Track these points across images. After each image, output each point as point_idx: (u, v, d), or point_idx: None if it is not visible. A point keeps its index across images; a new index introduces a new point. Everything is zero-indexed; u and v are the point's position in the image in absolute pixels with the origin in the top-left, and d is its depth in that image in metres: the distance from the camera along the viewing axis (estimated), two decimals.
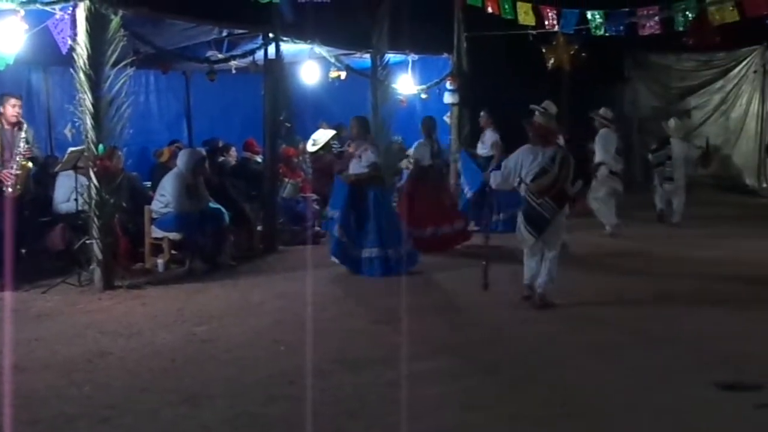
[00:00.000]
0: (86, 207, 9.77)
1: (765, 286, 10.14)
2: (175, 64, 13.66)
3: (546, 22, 16.72)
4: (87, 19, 9.30)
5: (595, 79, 20.33)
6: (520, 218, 9.11)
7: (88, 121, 9.51)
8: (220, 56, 12.55)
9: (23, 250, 10.16)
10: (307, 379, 6.43)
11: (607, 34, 16.98)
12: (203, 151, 12.66)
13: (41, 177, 11.47)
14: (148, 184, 12.46)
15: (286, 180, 13.19)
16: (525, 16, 16.31)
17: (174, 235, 10.73)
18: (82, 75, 9.44)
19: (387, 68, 15.48)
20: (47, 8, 9.19)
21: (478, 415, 5.84)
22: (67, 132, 12.17)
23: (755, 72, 21.28)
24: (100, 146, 9.51)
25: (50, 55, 10.24)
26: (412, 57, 16.57)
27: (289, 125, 13.00)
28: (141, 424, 5.65)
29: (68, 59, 9.53)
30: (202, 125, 16.18)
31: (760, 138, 21.37)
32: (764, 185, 21.26)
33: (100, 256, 9.61)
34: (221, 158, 13.65)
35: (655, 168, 15.87)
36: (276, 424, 5.66)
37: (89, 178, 9.62)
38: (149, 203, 11.03)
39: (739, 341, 7.65)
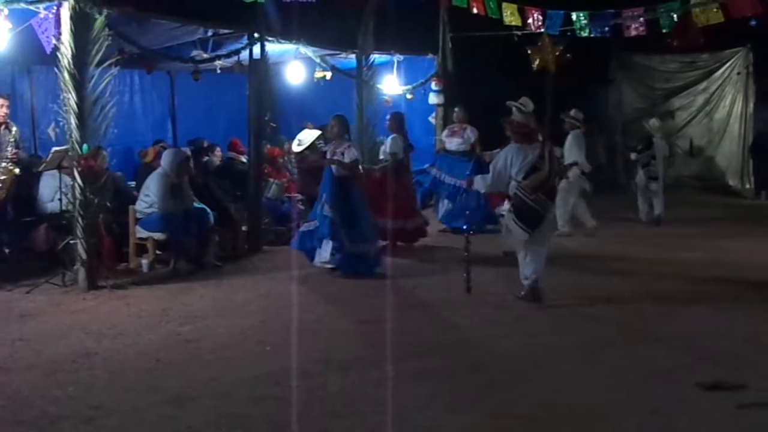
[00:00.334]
0: (70, 207, 9.72)
1: (747, 286, 10.18)
2: (159, 64, 13.60)
3: (531, 23, 16.75)
4: (71, 18, 9.27)
5: (579, 80, 20.38)
6: (509, 216, 9.15)
7: (73, 120, 9.49)
8: (205, 56, 12.52)
9: (7, 250, 10.13)
10: (292, 380, 6.44)
11: (592, 35, 17.03)
12: (188, 151, 12.64)
13: (25, 176, 11.43)
14: (133, 184, 12.41)
15: (271, 180, 13.18)
16: (511, 16, 16.35)
17: (158, 235, 10.70)
18: (66, 74, 9.42)
19: (372, 69, 15.53)
20: (31, 7, 9.17)
21: (462, 415, 5.85)
22: (51, 131, 12.05)
23: (739, 73, 21.40)
24: (85, 146, 9.49)
25: (34, 54, 10.19)
26: (397, 57, 16.58)
27: (274, 125, 13.02)
28: (125, 424, 5.63)
29: (52, 58, 9.51)
30: (186, 125, 16.11)
31: (743, 139, 21.49)
32: (747, 186, 21.37)
33: (84, 256, 9.58)
34: (206, 158, 13.61)
35: (643, 168, 15.91)
36: (261, 425, 5.65)
37: (73, 178, 9.59)
38: (134, 203, 10.98)
39: (722, 341, 7.69)
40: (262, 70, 12.39)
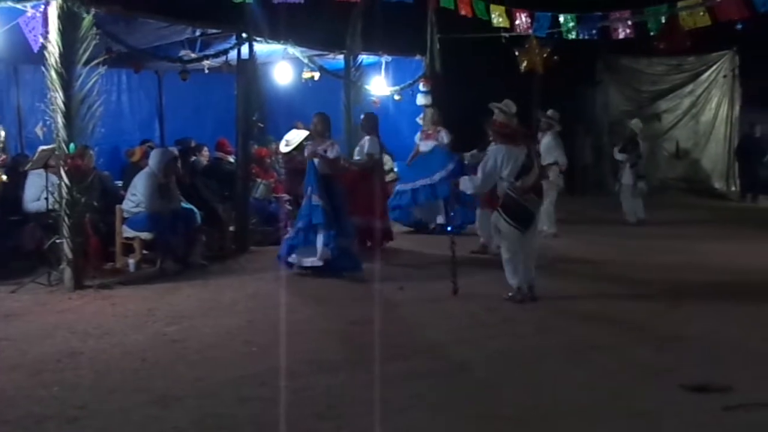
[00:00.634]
0: (57, 206, 9.69)
1: (733, 288, 10.22)
2: (147, 64, 13.61)
3: (518, 25, 16.78)
4: (59, 17, 9.26)
5: (566, 82, 20.47)
6: (498, 216, 9.17)
7: (60, 119, 9.47)
8: (193, 56, 12.51)
9: None
10: (279, 380, 6.43)
11: (579, 38, 17.09)
12: (175, 150, 12.62)
13: (12, 176, 11.41)
14: (120, 183, 12.40)
15: (259, 180, 13.17)
16: (499, 18, 16.37)
17: (145, 235, 10.69)
18: (53, 73, 9.40)
19: (360, 69, 15.55)
20: (18, 6, 9.16)
21: (448, 415, 5.86)
22: (38, 130, 12.10)
23: (725, 76, 21.54)
24: (72, 145, 9.47)
25: (21, 53, 10.19)
26: (385, 58, 16.60)
27: (261, 126, 12.99)
28: (110, 424, 5.62)
29: (40, 57, 9.49)
30: (174, 125, 16.12)
31: (729, 142, 21.64)
32: (733, 189, 21.50)
33: (70, 255, 9.56)
34: (193, 158, 13.60)
35: (631, 167, 15.98)
36: (247, 425, 5.65)
37: (60, 177, 9.58)
38: (120, 202, 10.97)
39: (708, 343, 7.72)
40: (250, 70, 12.39)
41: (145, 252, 10.90)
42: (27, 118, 13.01)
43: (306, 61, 14.29)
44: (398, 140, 15.15)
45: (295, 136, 12.46)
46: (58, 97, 9.43)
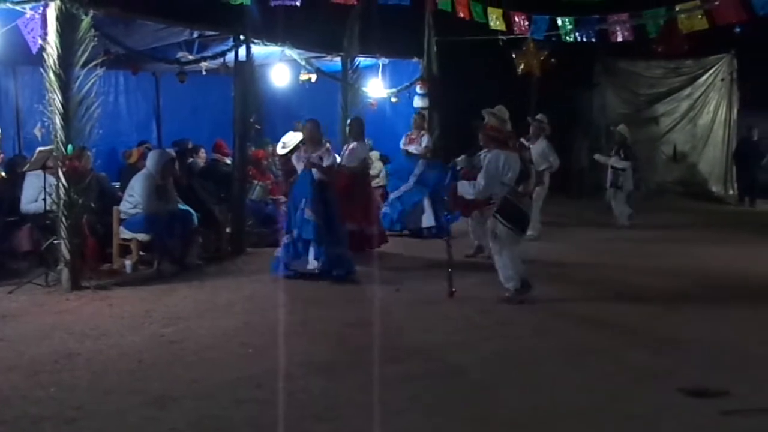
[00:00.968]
0: (54, 207, 9.69)
1: (730, 292, 10.24)
2: (145, 65, 13.63)
3: (516, 28, 16.80)
4: (57, 18, 9.27)
5: (564, 85, 20.48)
6: (496, 222, 9.18)
7: (58, 121, 9.48)
8: (191, 57, 12.52)
9: None
10: (275, 382, 6.45)
11: (577, 40, 17.09)
12: (172, 152, 12.63)
13: (9, 176, 11.42)
14: (117, 184, 12.41)
15: (256, 182, 13.18)
16: (496, 21, 16.38)
17: (142, 236, 10.69)
18: (51, 75, 9.41)
19: (357, 71, 15.56)
20: (17, 7, 9.16)
21: (444, 417, 5.87)
22: (36, 132, 12.10)
23: (723, 80, 21.57)
24: (69, 146, 9.47)
25: (20, 54, 10.18)
26: (382, 60, 16.62)
27: (258, 127, 13.00)
28: (107, 425, 5.63)
29: (38, 59, 9.50)
30: (171, 126, 16.12)
31: (727, 145, 21.66)
32: (730, 192, 21.52)
33: (67, 256, 9.57)
34: (190, 160, 13.61)
35: (634, 172, 16.03)
36: (243, 427, 5.66)
37: (58, 178, 9.58)
38: (118, 204, 10.98)
39: (705, 347, 7.74)
40: (247, 72, 12.38)
41: (142, 253, 10.90)
42: (25, 119, 13.01)
43: (303, 63, 14.30)
44: (394, 143, 15.13)
45: (292, 138, 12.45)
46: (57, 98, 9.44)
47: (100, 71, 9.76)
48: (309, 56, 14.56)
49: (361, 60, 15.73)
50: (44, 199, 9.98)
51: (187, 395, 6.20)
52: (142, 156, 12.20)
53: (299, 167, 10.69)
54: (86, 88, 9.61)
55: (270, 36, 13.10)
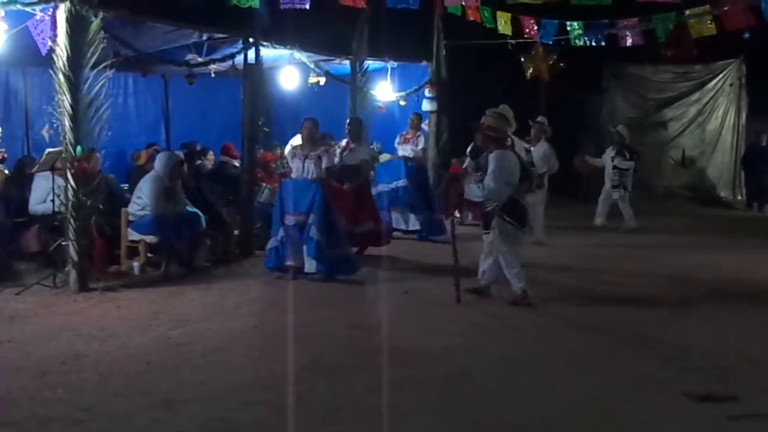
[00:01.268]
0: (63, 208, 9.71)
1: (737, 297, 10.22)
2: (154, 67, 13.63)
3: (526, 32, 16.79)
4: (67, 20, 9.29)
5: (572, 89, 20.47)
6: (503, 222, 9.19)
7: (67, 122, 9.50)
8: (200, 60, 12.52)
9: None
10: (283, 385, 6.45)
11: (586, 44, 17.08)
12: (181, 154, 12.65)
13: (18, 177, 11.44)
14: (126, 186, 12.43)
15: (264, 185, 13.18)
16: (504, 25, 16.37)
17: (150, 238, 10.70)
18: (61, 76, 9.43)
19: (366, 75, 15.58)
20: (28, 9, 9.18)
21: (452, 421, 5.87)
22: (45, 133, 12.11)
23: (731, 85, 21.51)
24: (78, 148, 9.49)
25: (29, 55, 10.20)
26: (391, 64, 16.61)
27: (267, 130, 13.00)
28: (114, 427, 5.64)
29: (47, 60, 9.52)
30: (180, 129, 16.15)
31: (735, 151, 21.59)
32: (739, 198, 21.45)
33: (75, 258, 9.58)
34: (198, 162, 13.62)
35: (634, 173, 16.01)
36: (250, 429, 5.67)
37: (66, 180, 9.59)
38: (126, 206, 11.00)
39: (712, 352, 7.72)
40: (256, 75, 12.39)
41: (149, 255, 10.92)
42: (34, 121, 13.03)
43: (312, 66, 14.31)
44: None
45: (299, 141, 12.48)
46: (66, 100, 9.45)
47: (109, 73, 9.78)
48: (318, 59, 14.57)
49: (370, 63, 15.75)
50: (53, 201, 10.00)
51: (195, 397, 6.20)
52: (150, 158, 12.22)
53: (295, 166, 10.71)
54: (95, 90, 9.62)
55: (279, 39, 13.10)
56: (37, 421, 5.67)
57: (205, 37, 12.27)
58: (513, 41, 17.16)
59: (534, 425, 5.85)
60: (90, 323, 8.29)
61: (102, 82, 9.66)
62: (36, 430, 5.54)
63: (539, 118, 14.06)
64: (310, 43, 14.02)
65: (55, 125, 9.76)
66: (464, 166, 10.11)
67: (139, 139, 14.90)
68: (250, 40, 12.17)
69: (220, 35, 12.35)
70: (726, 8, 14.64)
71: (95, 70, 9.58)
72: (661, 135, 22.34)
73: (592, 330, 8.53)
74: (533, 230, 13.18)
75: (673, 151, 22.33)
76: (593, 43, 17.10)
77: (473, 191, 9.39)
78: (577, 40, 16.93)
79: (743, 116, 21.55)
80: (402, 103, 16.70)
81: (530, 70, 18.33)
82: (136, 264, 10.72)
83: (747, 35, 15.64)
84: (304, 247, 10.49)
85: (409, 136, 14.58)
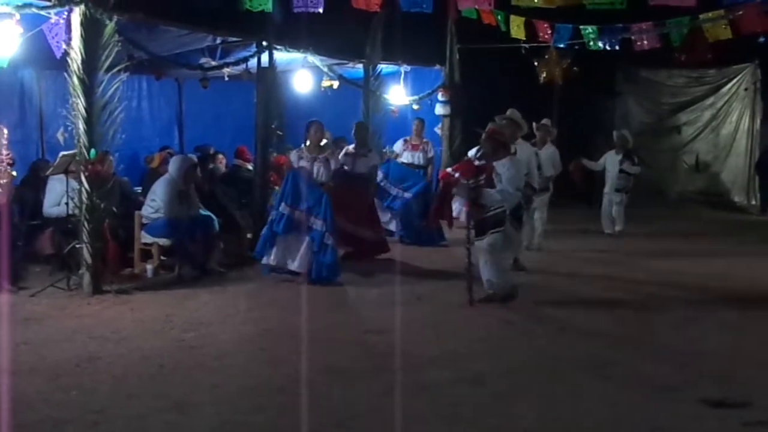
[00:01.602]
0: (76, 211, 9.74)
1: (752, 303, 10.16)
2: (168, 71, 13.68)
3: (540, 36, 16.78)
4: (82, 23, 9.32)
5: (586, 93, 20.43)
6: (512, 224, 9.25)
7: (81, 125, 9.52)
8: (214, 63, 12.58)
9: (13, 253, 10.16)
10: (296, 388, 6.44)
11: (600, 48, 17.05)
12: (195, 157, 12.67)
13: (32, 180, 11.49)
14: (139, 189, 12.47)
15: (277, 188, 13.18)
16: (517, 29, 16.36)
17: (164, 241, 10.73)
18: (75, 79, 9.45)
19: (379, 78, 15.59)
20: (42, 12, 9.20)
21: (466, 426, 5.85)
22: (60, 136, 12.12)
23: (746, 89, 21.45)
24: (92, 151, 9.51)
25: (44, 58, 10.24)
26: (404, 68, 16.64)
27: (280, 133, 13.01)
28: (128, 430, 5.64)
29: (62, 63, 9.55)
30: (193, 132, 16.21)
31: (749, 155, 21.53)
32: (753, 202, 21.37)
33: (89, 260, 9.60)
34: (212, 165, 13.65)
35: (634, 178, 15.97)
36: None
37: (80, 183, 9.62)
38: (139, 208, 11.02)
39: (726, 358, 7.69)
40: (269, 78, 12.42)
41: (163, 258, 10.94)
42: (49, 123, 13.09)
43: (325, 69, 14.34)
44: None
45: None
46: (80, 103, 9.48)
47: (123, 76, 9.80)
48: (331, 63, 14.60)
49: (384, 67, 15.76)
50: (67, 203, 10.03)
51: (208, 400, 6.20)
52: (164, 161, 12.26)
53: (319, 171, 10.74)
54: (109, 93, 9.65)
55: (293, 42, 13.11)
56: (51, 423, 5.67)
57: (218, 41, 12.33)
58: (526, 45, 17.14)
59: (548, 431, 5.83)
60: (103, 326, 8.30)
61: (116, 85, 9.69)
62: None
63: (544, 121, 13.97)
64: (323, 46, 14.04)
65: (69, 128, 9.79)
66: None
67: (152, 142, 14.97)
68: (264, 43, 12.21)
69: (234, 39, 12.40)
70: (740, 12, 14.60)
71: (109, 73, 9.61)
72: (675, 140, 22.30)
73: (605, 335, 8.50)
74: (534, 234, 13.21)
75: (687, 156, 22.27)
76: (607, 47, 17.07)
77: (493, 197, 9.27)
78: (593, 45, 16.89)
79: (758, 121, 21.48)
80: (415, 107, 16.73)
81: (543, 74, 18.29)
82: (149, 267, 10.75)
83: (762, 40, 15.62)
84: (302, 248, 10.52)
85: (416, 143, 14.53)
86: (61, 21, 9.32)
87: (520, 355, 7.69)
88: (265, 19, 12.28)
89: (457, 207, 11.44)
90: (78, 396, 6.24)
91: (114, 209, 10.25)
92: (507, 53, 17.54)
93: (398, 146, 14.65)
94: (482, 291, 9.53)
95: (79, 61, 9.39)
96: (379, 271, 11.30)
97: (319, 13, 13.49)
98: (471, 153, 10.51)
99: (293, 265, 10.59)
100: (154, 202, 10.75)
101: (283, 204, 10.54)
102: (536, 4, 14.90)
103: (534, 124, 13.60)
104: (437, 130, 17.41)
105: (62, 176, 10.12)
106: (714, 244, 15.38)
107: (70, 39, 9.38)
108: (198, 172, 11.66)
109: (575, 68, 18.39)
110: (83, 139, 9.55)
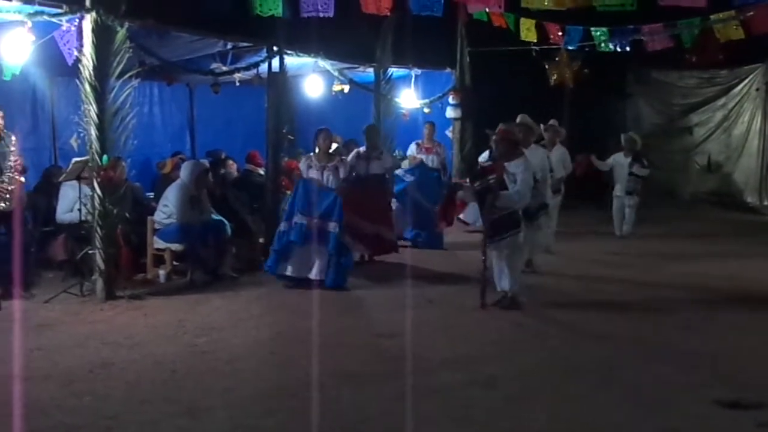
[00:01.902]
0: (89, 217, 9.78)
1: (764, 305, 10.14)
2: (179, 76, 13.71)
3: (551, 38, 16.77)
4: (93, 30, 9.36)
5: (597, 95, 20.40)
6: (527, 225, 9.36)
7: (93, 131, 9.56)
8: (225, 69, 12.60)
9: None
10: (307, 393, 6.46)
11: (611, 50, 17.02)
12: (206, 162, 12.71)
13: (45, 186, 11.54)
14: (151, 195, 12.51)
15: (289, 193, 13.20)
16: (527, 32, 16.35)
17: (176, 246, 10.76)
18: (87, 86, 9.49)
19: (390, 82, 15.60)
20: (54, 20, 9.23)
21: (476, 430, 5.86)
22: (72, 142, 12.21)
23: (758, 90, 21.36)
24: (104, 157, 9.55)
25: (56, 65, 10.29)
26: (415, 71, 16.66)
27: (292, 138, 13.04)
28: None
29: (74, 70, 9.60)
30: (205, 137, 16.24)
31: (762, 155, 21.42)
32: (765, 203, 21.28)
33: (102, 266, 9.64)
34: (223, 170, 13.68)
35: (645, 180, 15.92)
36: None
37: (93, 189, 9.66)
38: (152, 214, 11.06)
39: (739, 359, 7.69)
40: (280, 83, 12.44)
41: (175, 263, 10.96)
42: (61, 130, 13.13)
43: (336, 74, 14.35)
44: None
45: None
46: (92, 109, 9.52)
47: (134, 82, 9.83)
48: (342, 67, 14.61)
49: (394, 71, 15.77)
50: (79, 210, 10.08)
51: (220, 405, 6.22)
52: (176, 166, 12.29)
53: (310, 175, 10.80)
54: (121, 99, 9.69)
55: (303, 47, 13.14)
56: (65, 429, 5.71)
57: (229, 46, 12.36)
58: (537, 47, 17.13)
59: None
60: (116, 331, 8.33)
61: (128, 92, 9.72)
62: None
63: (551, 122, 13.91)
64: (333, 51, 14.07)
65: (81, 134, 9.82)
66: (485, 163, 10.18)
67: (164, 148, 15.01)
68: (274, 48, 12.23)
69: (245, 44, 12.44)
70: (751, 13, 14.56)
71: (121, 80, 9.64)
72: (687, 140, 22.23)
73: (617, 337, 8.48)
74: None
75: (699, 157, 22.21)
76: (618, 49, 17.05)
77: (510, 199, 9.24)
78: (602, 46, 16.87)
79: None
80: (426, 110, 16.73)
81: (554, 77, 18.27)
82: (162, 272, 10.78)
83: None
84: (317, 256, 10.53)
85: (428, 146, 14.50)
86: (73, 28, 9.36)
87: (532, 358, 7.68)
88: (275, 24, 12.30)
89: (473, 213, 11.43)
90: (91, 402, 6.27)
91: (126, 215, 10.27)
92: (517, 56, 17.52)
93: (412, 149, 14.62)
94: (495, 294, 9.52)
95: (91, 68, 9.43)
96: (389, 274, 11.32)
97: (329, 17, 13.51)
98: (482, 157, 10.52)
99: (312, 273, 10.55)
100: (167, 208, 10.79)
101: (299, 214, 10.51)
102: (546, 6, 14.85)
103: (542, 125, 13.58)
104: (448, 133, 17.43)
105: (75, 182, 10.15)
106: (726, 245, 15.33)
107: (81, 46, 9.41)
108: (210, 177, 11.70)
109: (586, 70, 18.36)
110: (95, 145, 9.58)
